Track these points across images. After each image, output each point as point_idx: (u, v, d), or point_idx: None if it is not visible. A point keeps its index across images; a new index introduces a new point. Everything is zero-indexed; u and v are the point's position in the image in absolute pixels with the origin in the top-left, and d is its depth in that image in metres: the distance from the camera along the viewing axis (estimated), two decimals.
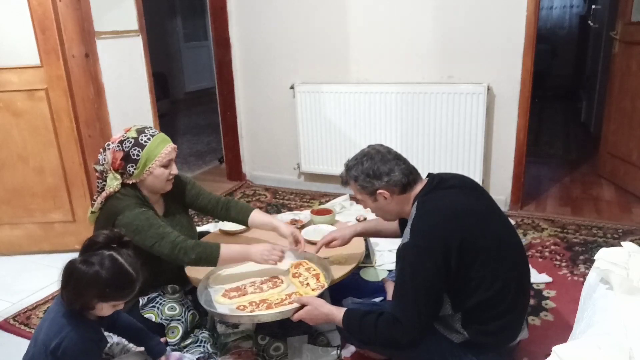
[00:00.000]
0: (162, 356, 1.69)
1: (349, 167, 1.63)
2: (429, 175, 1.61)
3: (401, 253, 1.48)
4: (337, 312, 1.57)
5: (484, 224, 1.48)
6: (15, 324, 2.15)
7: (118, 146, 1.81)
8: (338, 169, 3.41)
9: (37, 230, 2.76)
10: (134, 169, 1.80)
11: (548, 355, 0.81)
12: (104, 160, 1.84)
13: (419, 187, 1.58)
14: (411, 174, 1.58)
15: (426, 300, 1.43)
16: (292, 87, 3.41)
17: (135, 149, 1.80)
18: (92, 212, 1.90)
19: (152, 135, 1.84)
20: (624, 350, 0.77)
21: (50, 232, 2.76)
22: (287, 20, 3.37)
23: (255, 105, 3.71)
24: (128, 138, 1.82)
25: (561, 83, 6.36)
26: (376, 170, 1.55)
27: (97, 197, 1.88)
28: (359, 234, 1.94)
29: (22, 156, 2.64)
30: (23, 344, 1.74)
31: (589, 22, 4.42)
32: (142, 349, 1.72)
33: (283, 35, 3.42)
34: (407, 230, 1.49)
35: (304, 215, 2.36)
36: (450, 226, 1.43)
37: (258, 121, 3.74)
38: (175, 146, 1.89)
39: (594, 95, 4.56)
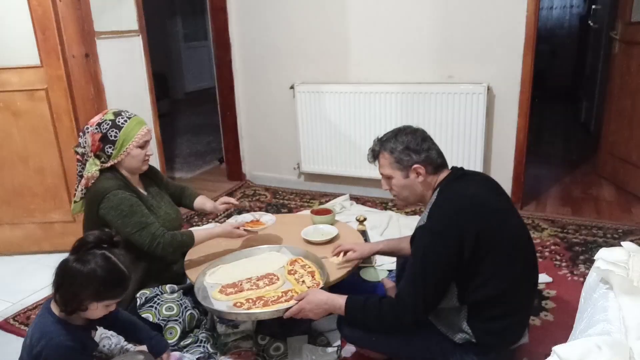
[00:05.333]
0: (163, 353, 1.68)
1: (383, 140, 1.61)
2: (453, 167, 1.62)
3: (417, 234, 1.49)
4: (339, 297, 1.55)
5: (502, 220, 1.48)
6: (15, 324, 2.15)
7: (96, 128, 1.87)
8: (338, 169, 3.46)
9: (37, 230, 2.76)
10: (112, 150, 1.86)
11: (548, 355, 0.80)
12: (85, 143, 1.89)
13: (443, 175, 1.58)
14: (443, 158, 1.60)
15: (432, 283, 1.43)
16: (292, 87, 3.40)
17: (112, 130, 1.85)
18: (74, 202, 1.95)
19: (129, 118, 1.90)
20: (624, 350, 0.77)
21: (50, 232, 2.76)
22: (287, 20, 3.37)
23: (255, 105, 3.71)
24: (105, 120, 1.87)
25: (561, 83, 6.35)
26: (416, 145, 1.54)
27: (77, 185, 1.93)
28: (377, 253, 1.95)
29: (22, 156, 2.64)
30: None
31: (589, 22, 4.42)
32: (142, 348, 1.72)
33: (283, 35, 3.42)
34: (425, 214, 1.50)
35: (269, 217, 2.19)
36: (468, 216, 1.42)
37: (258, 121, 3.74)
38: (151, 128, 1.97)
39: (594, 95, 4.55)
